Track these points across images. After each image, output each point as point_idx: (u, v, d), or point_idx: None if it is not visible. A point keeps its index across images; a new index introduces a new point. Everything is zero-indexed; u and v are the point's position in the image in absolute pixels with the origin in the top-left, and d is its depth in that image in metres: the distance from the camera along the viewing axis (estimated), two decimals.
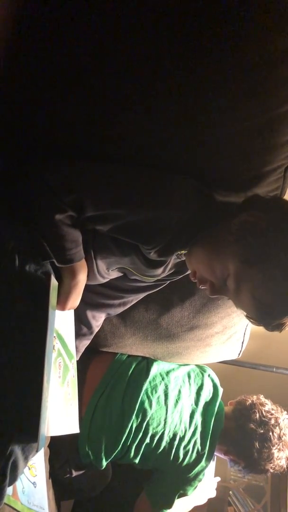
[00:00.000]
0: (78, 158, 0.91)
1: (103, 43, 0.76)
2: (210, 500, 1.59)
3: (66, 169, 0.87)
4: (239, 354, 1.59)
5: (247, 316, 0.90)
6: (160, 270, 1.00)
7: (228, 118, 0.84)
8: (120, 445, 1.31)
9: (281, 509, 2.15)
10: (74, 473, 1.33)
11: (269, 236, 0.81)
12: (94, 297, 1.17)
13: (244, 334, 1.50)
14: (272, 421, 1.39)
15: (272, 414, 1.42)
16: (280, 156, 0.96)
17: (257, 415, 1.41)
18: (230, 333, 1.45)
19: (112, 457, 1.33)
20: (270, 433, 1.37)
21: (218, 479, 1.59)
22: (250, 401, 1.46)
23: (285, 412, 1.46)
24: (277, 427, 1.39)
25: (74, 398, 1.06)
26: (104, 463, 1.33)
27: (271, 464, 1.38)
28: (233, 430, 1.41)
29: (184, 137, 0.89)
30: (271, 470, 1.40)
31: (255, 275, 0.81)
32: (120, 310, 1.24)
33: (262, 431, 1.38)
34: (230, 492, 2.35)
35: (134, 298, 1.22)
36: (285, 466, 1.41)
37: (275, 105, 0.81)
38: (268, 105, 0.81)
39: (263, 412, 1.41)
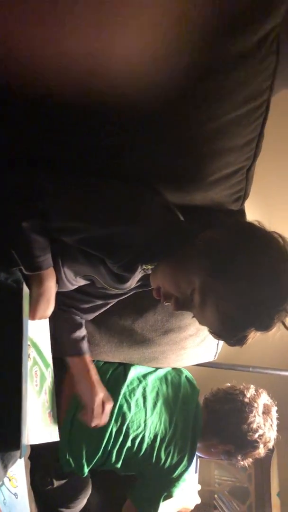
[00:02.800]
0: (49, 166, 0.93)
1: None
2: (196, 505, 1.60)
3: (35, 177, 0.88)
4: (215, 355, 1.61)
5: (210, 331, 0.92)
6: (126, 285, 1.02)
7: (187, 122, 0.87)
8: (101, 451, 1.31)
9: (266, 508, 2.17)
10: (56, 483, 1.31)
11: (234, 249, 0.85)
12: (64, 299, 1.17)
13: None
14: (237, 392, 1.42)
15: (235, 389, 1.45)
16: (241, 157, 1.00)
17: (221, 393, 1.45)
18: (204, 335, 1.47)
19: (94, 463, 1.32)
20: (240, 404, 1.38)
21: (200, 487, 1.61)
22: (214, 388, 1.50)
23: (252, 386, 1.47)
24: (245, 395, 1.40)
25: (52, 406, 1.06)
26: (86, 470, 1.33)
27: (257, 434, 1.37)
28: (208, 421, 1.43)
29: (143, 142, 0.91)
30: (261, 441, 1.38)
31: (219, 288, 0.84)
32: (93, 315, 1.25)
33: (231, 405, 1.40)
34: (215, 495, 2.37)
35: (105, 304, 1.22)
36: (272, 436, 1.40)
37: (231, 108, 0.85)
38: (225, 108, 0.84)
39: (227, 390, 1.45)
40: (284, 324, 0.86)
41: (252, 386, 1.47)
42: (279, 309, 0.83)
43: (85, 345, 1.21)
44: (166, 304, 0.94)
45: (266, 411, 1.41)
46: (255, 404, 1.39)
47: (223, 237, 0.87)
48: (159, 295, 0.94)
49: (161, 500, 1.36)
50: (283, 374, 1.93)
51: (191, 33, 0.74)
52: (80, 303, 1.19)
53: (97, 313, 1.25)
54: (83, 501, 1.43)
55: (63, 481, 1.34)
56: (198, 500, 1.58)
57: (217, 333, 0.90)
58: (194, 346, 1.50)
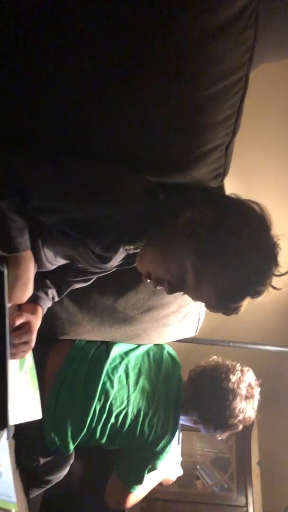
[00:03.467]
0: (29, 146, 0.90)
1: None
2: (179, 476, 1.65)
3: (13, 156, 0.85)
4: (196, 331, 1.64)
5: (207, 306, 0.95)
6: (108, 265, 1.02)
7: (163, 98, 0.85)
8: (86, 428, 1.33)
9: (246, 476, 2.24)
10: (42, 460, 1.33)
11: (218, 226, 0.87)
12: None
13: (200, 311, 1.55)
14: (223, 375, 1.42)
15: (221, 369, 1.44)
16: (219, 134, 0.99)
17: (207, 374, 1.44)
18: (185, 311, 1.49)
19: (79, 440, 1.34)
20: (223, 390, 1.39)
21: (181, 458, 1.65)
22: (200, 366, 1.50)
23: (238, 364, 1.48)
24: (230, 379, 1.40)
25: (34, 385, 1.06)
26: (71, 447, 1.35)
27: (238, 419, 1.39)
28: (191, 398, 1.45)
29: (122, 121, 0.90)
30: (240, 424, 1.42)
31: (213, 266, 0.86)
32: (78, 285, 1.22)
33: (215, 389, 1.40)
34: (198, 466, 2.42)
35: (87, 279, 1.22)
36: (252, 416, 1.43)
37: (209, 83, 0.83)
38: (202, 83, 0.83)
39: (213, 370, 1.45)
40: (273, 286, 0.90)
41: (238, 366, 1.46)
42: (268, 274, 0.87)
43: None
44: (159, 288, 0.95)
45: (250, 395, 1.42)
46: (239, 390, 1.40)
47: (204, 216, 0.88)
48: (149, 279, 0.95)
49: (146, 473, 1.39)
50: (262, 348, 1.97)
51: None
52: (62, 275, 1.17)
53: (81, 285, 1.23)
54: (67, 469, 1.46)
55: (49, 458, 1.36)
56: (180, 472, 1.62)
57: (214, 307, 0.93)
58: (176, 323, 1.51)
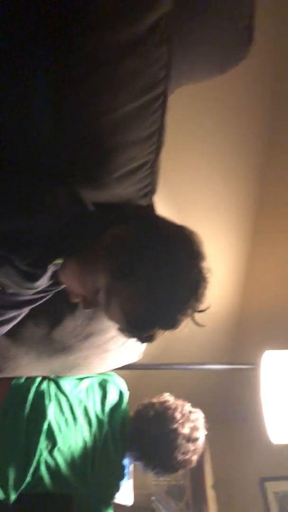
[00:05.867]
0: None
1: None
2: (134, 510, 1.57)
3: None
4: (139, 355, 1.60)
5: (119, 329, 0.91)
6: (38, 283, 0.96)
7: (80, 116, 0.83)
8: (29, 476, 1.23)
9: (202, 502, 2.20)
10: None
11: (139, 248, 0.83)
12: None
13: None
14: (169, 414, 1.38)
15: (169, 407, 1.41)
16: (144, 151, 0.98)
17: (152, 413, 1.40)
18: None
19: (22, 488, 1.24)
20: (168, 425, 1.36)
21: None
22: (148, 402, 1.45)
23: (188, 404, 1.46)
24: (175, 418, 1.37)
25: None
26: (14, 496, 1.24)
27: (178, 460, 1.36)
28: (135, 433, 1.40)
29: (44, 137, 0.87)
30: (181, 467, 1.38)
31: (123, 288, 0.83)
32: (5, 329, 1.17)
33: (159, 424, 1.36)
34: (153, 497, 2.34)
35: (17, 315, 1.15)
36: (193, 459, 1.39)
37: (129, 99, 0.83)
38: (122, 99, 0.82)
39: (159, 409, 1.40)
40: (194, 320, 0.86)
41: (187, 406, 1.43)
42: (182, 308, 0.83)
43: None
44: (74, 301, 0.91)
45: (194, 438, 1.38)
46: (183, 431, 1.36)
47: (128, 236, 0.85)
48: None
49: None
50: (207, 368, 1.96)
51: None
52: None
53: (10, 326, 1.17)
54: None
55: None
56: (130, 502, 1.55)
57: (124, 331, 0.89)
58: (117, 348, 1.47)
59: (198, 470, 2.30)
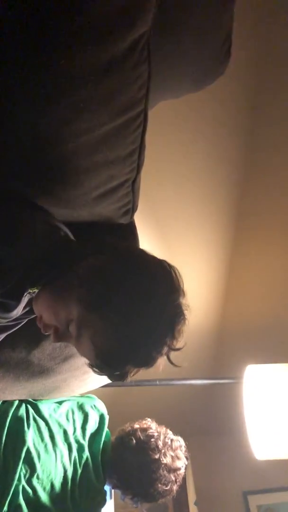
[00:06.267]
0: None
1: None
2: None
3: None
4: None
5: (89, 365, 0.85)
6: (12, 313, 0.92)
7: (59, 135, 0.81)
8: (6, 505, 1.17)
9: None
10: None
11: (113, 281, 0.79)
12: None
13: None
14: (151, 442, 1.34)
15: (151, 435, 1.36)
16: (124, 170, 0.97)
17: (133, 441, 1.35)
18: None
19: None
20: (149, 454, 1.31)
21: None
22: (129, 428, 1.41)
23: (170, 433, 1.41)
24: (158, 447, 1.33)
25: None
26: None
27: (159, 490, 1.32)
28: (114, 460, 1.36)
29: (23, 157, 0.84)
30: (160, 497, 1.34)
31: (96, 321, 0.78)
32: None
33: (140, 453, 1.32)
34: None
35: None
36: (174, 489, 1.36)
37: (108, 118, 0.81)
38: (102, 119, 0.80)
39: (141, 438, 1.36)
40: (169, 359, 0.82)
41: (169, 434, 1.40)
42: (158, 345, 0.79)
43: None
44: (46, 334, 0.87)
45: (174, 468, 1.35)
46: (165, 460, 1.32)
47: (104, 266, 0.81)
48: (41, 323, 0.87)
49: None
50: (188, 383, 1.93)
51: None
52: None
53: None
54: None
55: None
56: None
57: (94, 367, 0.83)
58: None
59: (180, 487, 2.26)
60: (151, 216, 1.50)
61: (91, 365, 0.84)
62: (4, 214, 0.81)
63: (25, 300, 0.92)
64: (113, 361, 0.80)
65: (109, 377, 0.85)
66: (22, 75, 0.71)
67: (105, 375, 0.85)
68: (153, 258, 0.84)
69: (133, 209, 1.12)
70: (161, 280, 0.80)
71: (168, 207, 1.61)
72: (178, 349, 0.81)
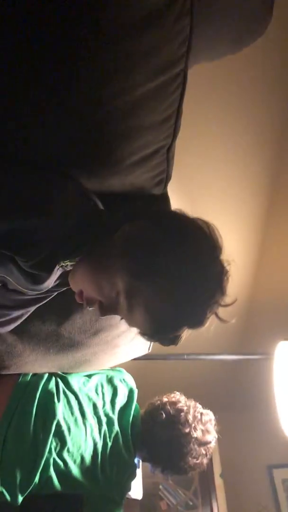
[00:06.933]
0: None
1: None
2: (141, 500, 1.55)
3: None
4: (149, 348, 1.54)
5: (140, 333, 0.84)
6: (43, 285, 0.89)
7: (93, 99, 0.75)
8: (37, 478, 1.17)
9: (210, 490, 2.18)
10: None
11: (156, 245, 0.76)
12: None
13: None
14: (181, 416, 1.32)
15: (181, 409, 1.35)
16: (159, 136, 0.91)
17: (163, 416, 1.33)
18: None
19: (30, 490, 1.19)
20: (180, 428, 1.30)
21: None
22: (158, 402, 1.39)
23: (199, 406, 1.39)
24: (188, 421, 1.31)
25: None
26: (20, 499, 1.19)
27: (189, 464, 1.31)
28: (144, 433, 1.35)
29: (51, 125, 0.79)
30: (191, 470, 1.33)
31: (145, 288, 0.76)
32: (11, 327, 1.10)
33: (171, 427, 1.31)
34: (160, 486, 2.33)
35: (24, 313, 1.08)
36: (204, 462, 1.34)
37: (143, 79, 0.75)
38: (136, 80, 0.74)
39: (171, 412, 1.34)
40: (217, 316, 0.80)
41: (198, 407, 1.37)
42: (210, 303, 0.77)
43: None
44: (90, 309, 0.84)
45: (204, 442, 1.33)
46: (195, 434, 1.31)
47: (143, 232, 0.78)
48: (82, 299, 0.83)
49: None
50: (217, 358, 1.91)
51: None
52: None
53: (16, 324, 1.10)
54: None
55: None
56: (139, 496, 1.52)
57: (148, 335, 0.82)
58: (127, 343, 1.41)
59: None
60: (184, 185, 1.44)
61: (144, 334, 0.82)
62: (35, 185, 0.78)
63: (57, 272, 0.89)
64: (169, 325, 0.78)
65: (161, 343, 0.83)
66: (54, 30, 0.66)
67: (159, 341, 0.83)
68: (188, 217, 0.81)
69: (167, 179, 1.06)
70: (202, 238, 0.78)
71: (201, 176, 1.54)
72: (229, 305, 0.79)
